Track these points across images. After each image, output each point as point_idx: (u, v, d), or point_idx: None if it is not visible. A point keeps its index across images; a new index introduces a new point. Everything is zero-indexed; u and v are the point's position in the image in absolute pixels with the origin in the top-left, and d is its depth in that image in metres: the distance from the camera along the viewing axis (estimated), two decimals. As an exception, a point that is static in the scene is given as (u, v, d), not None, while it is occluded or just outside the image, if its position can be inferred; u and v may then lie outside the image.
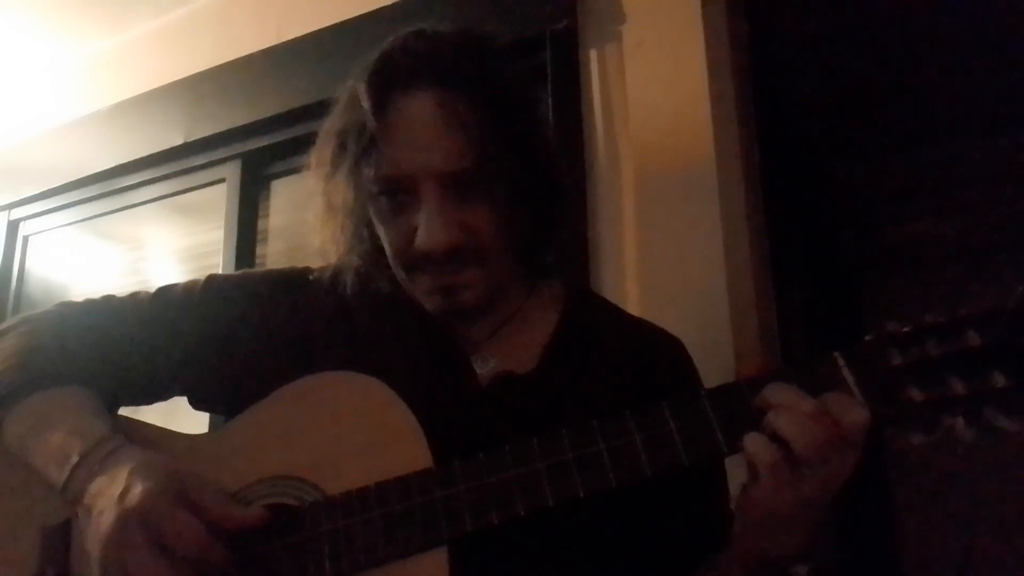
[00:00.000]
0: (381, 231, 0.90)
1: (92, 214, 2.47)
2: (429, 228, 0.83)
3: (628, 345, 0.97)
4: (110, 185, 2.39)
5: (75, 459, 0.83)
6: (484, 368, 0.92)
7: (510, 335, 0.95)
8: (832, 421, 0.70)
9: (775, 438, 0.71)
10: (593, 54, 1.68)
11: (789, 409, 0.71)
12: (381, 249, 0.92)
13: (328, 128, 0.92)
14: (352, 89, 0.89)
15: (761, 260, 1.66)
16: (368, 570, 0.78)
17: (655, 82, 1.58)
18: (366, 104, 0.84)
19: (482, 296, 0.90)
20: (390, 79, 0.85)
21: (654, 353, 0.98)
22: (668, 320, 1.05)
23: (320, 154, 0.93)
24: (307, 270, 1.02)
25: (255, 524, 0.80)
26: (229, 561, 0.78)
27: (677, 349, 1.01)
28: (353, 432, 0.84)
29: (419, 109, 0.84)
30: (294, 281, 1.00)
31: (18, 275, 2.57)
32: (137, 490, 0.77)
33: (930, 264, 3.47)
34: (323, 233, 0.95)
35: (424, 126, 0.83)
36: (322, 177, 0.92)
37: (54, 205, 2.51)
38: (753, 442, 0.72)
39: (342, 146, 0.88)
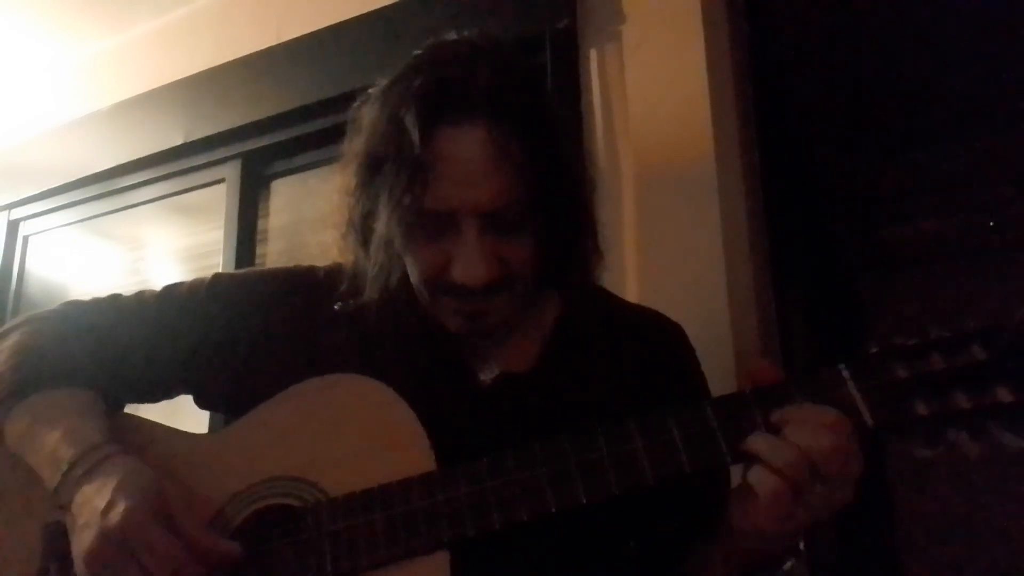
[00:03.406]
0: (407, 253, 0.88)
1: (92, 214, 2.46)
2: (469, 263, 0.82)
3: (626, 335, 0.97)
4: (110, 185, 2.38)
5: (65, 466, 0.83)
6: (488, 374, 0.92)
7: (511, 337, 0.95)
8: (802, 454, 0.71)
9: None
10: (593, 54, 1.68)
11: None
12: (403, 264, 0.90)
13: (356, 146, 0.89)
14: (389, 110, 0.85)
15: (761, 260, 1.66)
16: (369, 572, 0.78)
17: (655, 82, 1.58)
18: (414, 134, 0.80)
19: (506, 319, 0.89)
20: (439, 109, 0.81)
21: (651, 340, 0.98)
22: (668, 320, 1.04)
23: (346, 172, 0.90)
24: (312, 269, 1.02)
25: (226, 556, 0.80)
26: None
27: (675, 334, 1.01)
28: (356, 434, 0.84)
29: (468, 144, 0.81)
30: (299, 281, 1.00)
31: (18, 275, 2.57)
32: (119, 508, 0.77)
33: (930, 264, 3.47)
34: (341, 249, 0.93)
35: (472, 162, 0.81)
36: (349, 195, 0.90)
37: (54, 205, 2.50)
38: (754, 473, 0.73)
39: (374, 169, 0.85)
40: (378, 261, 0.89)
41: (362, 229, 0.90)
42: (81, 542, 0.79)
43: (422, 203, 0.81)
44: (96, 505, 0.79)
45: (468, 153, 0.81)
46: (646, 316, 1.03)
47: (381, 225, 0.86)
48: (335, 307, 0.94)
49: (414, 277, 0.89)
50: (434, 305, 0.89)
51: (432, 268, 0.85)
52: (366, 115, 0.89)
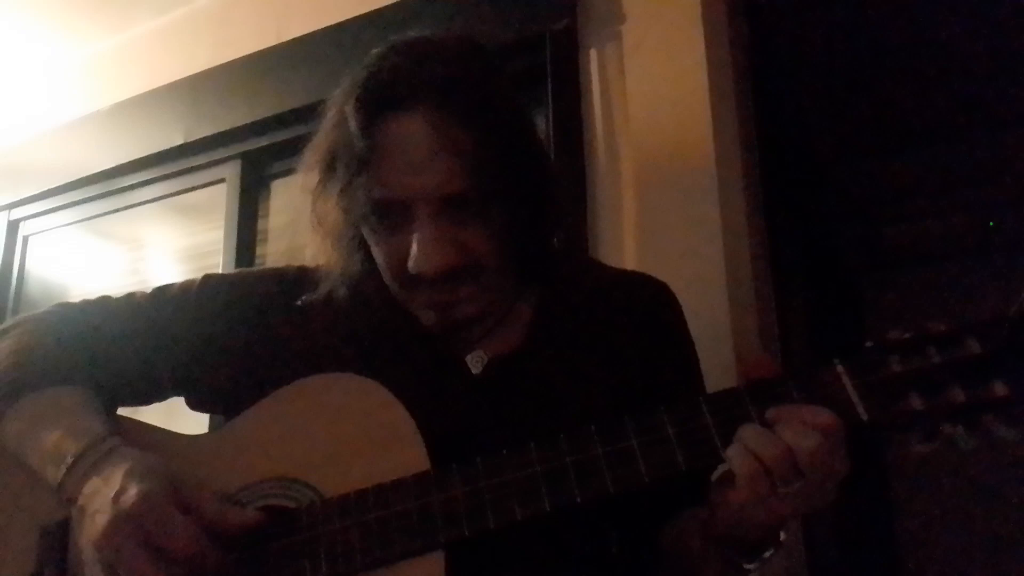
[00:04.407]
0: (374, 249, 0.89)
1: (92, 214, 2.46)
2: (423, 251, 0.82)
3: (610, 302, 0.97)
4: (110, 185, 2.38)
5: (70, 459, 0.83)
6: (478, 366, 0.92)
7: (495, 329, 0.94)
8: (787, 449, 0.71)
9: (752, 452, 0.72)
10: (593, 54, 1.68)
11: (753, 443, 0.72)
12: (374, 262, 0.91)
13: (316, 145, 0.90)
14: (339, 106, 0.87)
15: (761, 260, 1.66)
16: (364, 573, 0.78)
17: (655, 82, 1.58)
18: (354, 126, 0.82)
19: (479, 309, 0.89)
20: (379, 99, 0.83)
21: (636, 303, 0.98)
22: (667, 320, 1.04)
23: (308, 172, 0.91)
24: (304, 269, 1.02)
25: (250, 526, 0.80)
26: (222, 563, 0.78)
27: (660, 293, 1.01)
28: (351, 434, 0.84)
29: (410, 131, 0.81)
30: (291, 281, 1.00)
31: (18, 275, 2.57)
32: (132, 491, 0.77)
33: (930, 264, 3.47)
34: (313, 250, 0.94)
35: (416, 149, 0.81)
36: (311, 195, 0.91)
37: (54, 205, 2.50)
38: (735, 452, 0.73)
39: (330, 166, 0.87)
40: (337, 253, 0.91)
41: (323, 228, 0.91)
42: (92, 528, 0.78)
43: (372, 193, 0.83)
44: (107, 493, 0.79)
45: (410, 140, 0.81)
46: (630, 280, 1.03)
47: (331, 218, 0.88)
48: (298, 302, 0.95)
49: (384, 275, 0.90)
50: (408, 301, 0.90)
51: (394, 261, 0.86)
52: (325, 115, 0.90)
